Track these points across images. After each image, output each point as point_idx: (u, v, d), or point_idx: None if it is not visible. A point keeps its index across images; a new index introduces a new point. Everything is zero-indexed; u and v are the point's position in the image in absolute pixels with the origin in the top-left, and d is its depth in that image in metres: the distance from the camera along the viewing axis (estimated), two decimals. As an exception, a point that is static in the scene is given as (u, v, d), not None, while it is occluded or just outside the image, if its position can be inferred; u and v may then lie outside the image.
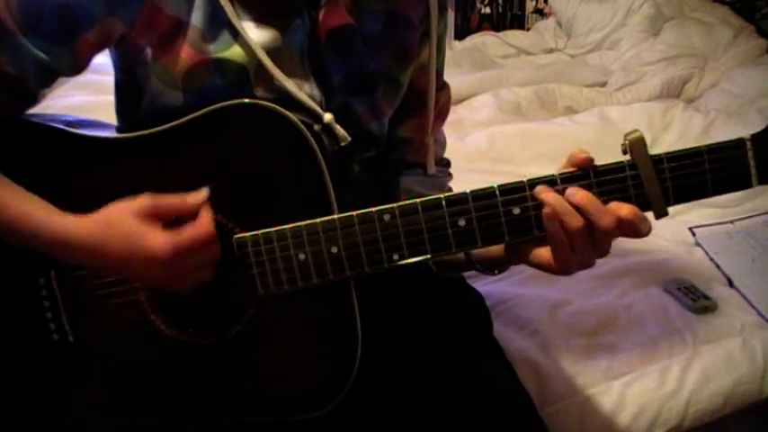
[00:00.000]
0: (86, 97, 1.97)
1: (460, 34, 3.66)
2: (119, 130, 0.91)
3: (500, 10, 3.95)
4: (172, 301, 0.82)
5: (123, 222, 0.74)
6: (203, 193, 0.76)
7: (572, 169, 0.74)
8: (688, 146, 0.74)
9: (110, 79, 0.89)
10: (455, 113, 2.30)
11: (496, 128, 2.23)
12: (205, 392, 0.85)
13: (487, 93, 2.57)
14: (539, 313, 1.33)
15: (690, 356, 1.26)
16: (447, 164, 1.07)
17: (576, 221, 0.72)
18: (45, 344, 0.84)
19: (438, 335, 0.97)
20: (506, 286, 1.43)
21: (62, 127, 0.83)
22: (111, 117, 0.94)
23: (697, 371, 1.24)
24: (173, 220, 0.75)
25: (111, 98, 0.92)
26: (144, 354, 0.84)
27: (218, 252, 0.77)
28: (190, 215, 0.75)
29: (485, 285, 1.39)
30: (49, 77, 0.83)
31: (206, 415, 0.85)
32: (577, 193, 0.73)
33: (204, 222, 0.75)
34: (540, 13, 3.90)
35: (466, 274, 1.13)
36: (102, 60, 0.87)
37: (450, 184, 1.06)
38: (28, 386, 0.86)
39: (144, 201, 0.75)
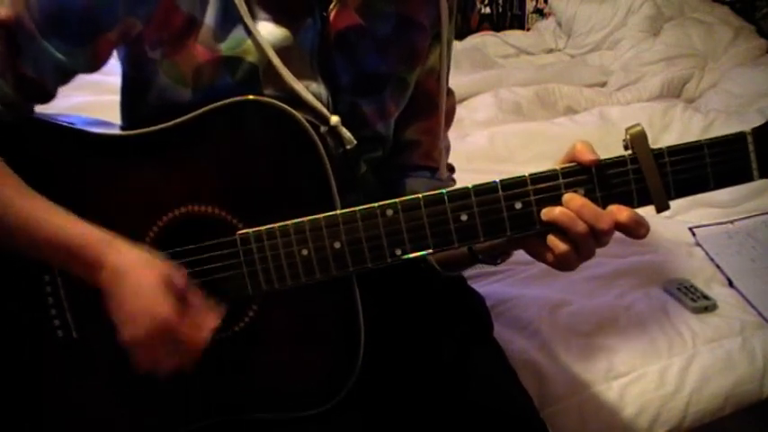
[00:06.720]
0: (86, 97, 1.96)
1: (460, 34, 3.66)
2: (123, 125, 0.91)
3: (500, 10, 3.95)
4: None
5: (148, 279, 0.74)
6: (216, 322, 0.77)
7: (573, 164, 0.75)
8: (688, 146, 0.75)
9: (111, 79, 0.89)
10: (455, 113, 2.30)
11: (496, 128, 2.24)
12: (208, 389, 0.85)
13: (487, 93, 2.57)
14: (539, 314, 1.32)
15: (690, 356, 1.26)
16: (452, 169, 1.07)
17: (581, 227, 0.73)
18: (49, 340, 0.84)
19: (439, 336, 0.97)
20: (506, 287, 1.43)
21: (70, 125, 0.83)
22: (111, 117, 0.94)
23: (697, 371, 1.24)
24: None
25: (111, 98, 0.92)
26: None
27: (198, 356, 0.76)
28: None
29: (485, 286, 1.39)
30: (66, 77, 0.83)
31: (208, 412, 0.85)
32: (572, 200, 0.74)
33: (206, 327, 0.75)
34: (540, 13, 3.91)
35: (466, 274, 1.13)
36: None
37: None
38: (31, 382, 0.86)
39: (180, 275, 0.75)
